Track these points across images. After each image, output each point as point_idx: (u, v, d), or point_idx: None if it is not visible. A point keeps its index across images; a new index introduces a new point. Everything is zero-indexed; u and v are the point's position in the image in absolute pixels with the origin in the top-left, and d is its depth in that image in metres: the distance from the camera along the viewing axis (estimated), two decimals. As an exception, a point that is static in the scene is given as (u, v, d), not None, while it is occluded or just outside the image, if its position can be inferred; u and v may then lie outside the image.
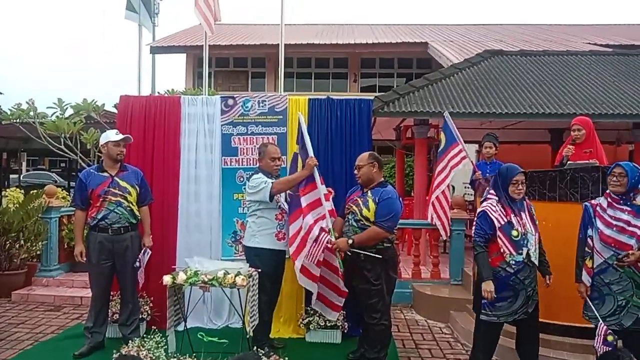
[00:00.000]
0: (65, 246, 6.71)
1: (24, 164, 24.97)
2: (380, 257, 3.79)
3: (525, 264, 3.59)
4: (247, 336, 3.81)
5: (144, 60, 7.51)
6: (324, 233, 3.92)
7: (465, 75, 8.96)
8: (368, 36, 17.50)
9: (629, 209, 3.40)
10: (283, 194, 4.31)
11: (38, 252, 6.57)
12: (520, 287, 3.60)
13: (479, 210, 3.82)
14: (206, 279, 3.68)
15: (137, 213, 4.33)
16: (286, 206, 4.30)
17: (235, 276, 3.65)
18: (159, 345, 3.67)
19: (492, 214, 3.63)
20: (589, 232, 3.52)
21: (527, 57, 10.12)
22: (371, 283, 3.84)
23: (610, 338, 3.32)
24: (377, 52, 17.16)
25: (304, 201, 4.07)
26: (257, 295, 3.94)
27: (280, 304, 4.68)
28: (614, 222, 3.42)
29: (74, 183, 7.36)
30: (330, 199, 4.26)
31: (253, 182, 4.18)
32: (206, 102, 5.19)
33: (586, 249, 3.53)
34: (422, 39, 16.43)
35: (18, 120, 7.62)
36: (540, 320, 3.83)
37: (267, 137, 5.02)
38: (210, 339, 3.88)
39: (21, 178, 20.08)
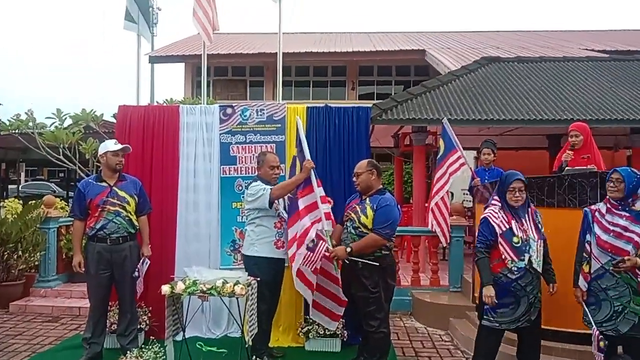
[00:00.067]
0: (64, 256, 6.70)
1: (23, 174, 25.00)
2: (378, 264, 3.79)
3: (527, 271, 3.59)
4: (246, 345, 3.79)
5: (142, 69, 7.55)
6: (322, 241, 3.93)
7: (462, 82, 8.99)
8: (366, 44, 17.59)
9: (627, 214, 3.41)
10: (282, 202, 4.33)
11: (36, 263, 6.55)
12: (522, 293, 3.59)
13: (481, 216, 3.83)
14: (205, 288, 3.66)
15: (135, 223, 4.33)
16: (285, 215, 4.31)
17: (234, 285, 3.64)
18: (158, 355, 3.66)
19: (493, 221, 3.65)
20: (587, 237, 3.53)
21: (524, 63, 10.17)
22: (369, 291, 3.83)
23: (602, 344, 3.32)
24: (375, 60, 17.24)
25: (302, 203, 4.09)
26: (256, 304, 3.93)
27: (279, 312, 4.66)
28: (611, 228, 3.43)
29: (72, 193, 7.36)
30: (329, 208, 4.26)
31: (252, 189, 4.19)
32: (205, 111, 5.21)
33: (584, 254, 3.54)
34: (419, 47, 16.50)
35: (17, 131, 7.64)
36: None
37: (266, 146, 5.03)
38: (209, 348, 3.86)
39: (20, 188, 20.09)
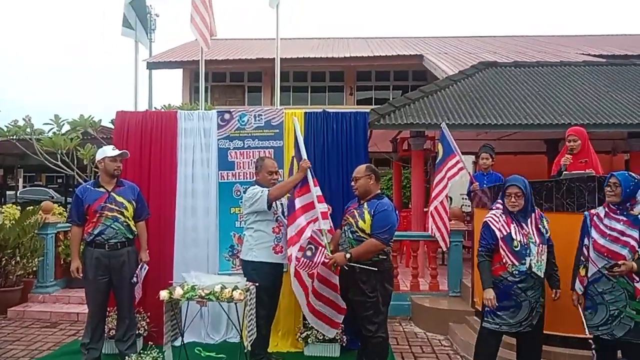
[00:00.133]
0: (62, 262, 6.69)
1: (21, 180, 24.95)
2: (376, 269, 3.79)
3: (528, 275, 3.59)
4: (245, 351, 3.79)
5: (140, 75, 7.55)
6: (321, 248, 3.93)
7: (460, 87, 9.02)
8: (363, 49, 17.66)
9: (624, 218, 3.42)
10: (281, 207, 4.33)
11: (34, 269, 6.54)
12: (522, 297, 3.60)
13: (483, 220, 3.85)
14: (203, 294, 3.66)
15: (133, 228, 4.32)
16: (284, 219, 4.31)
17: (233, 290, 3.64)
18: (156, 361, 3.65)
19: (494, 225, 3.67)
20: (585, 241, 3.54)
21: (521, 68, 10.20)
22: (366, 295, 3.82)
23: (593, 350, 3.33)
24: (372, 65, 17.31)
25: (298, 203, 4.11)
26: (255, 309, 3.93)
27: (278, 317, 4.65)
28: (608, 232, 3.44)
29: (70, 199, 7.34)
30: (329, 216, 4.26)
31: (249, 193, 4.20)
32: (203, 117, 5.21)
33: (582, 258, 3.56)
34: (417, 52, 16.58)
35: (15, 137, 7.63)
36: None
37: (264, 151, 5.05)
38: (207, 354, 3.86)
39: (18, 194, 20.05)
